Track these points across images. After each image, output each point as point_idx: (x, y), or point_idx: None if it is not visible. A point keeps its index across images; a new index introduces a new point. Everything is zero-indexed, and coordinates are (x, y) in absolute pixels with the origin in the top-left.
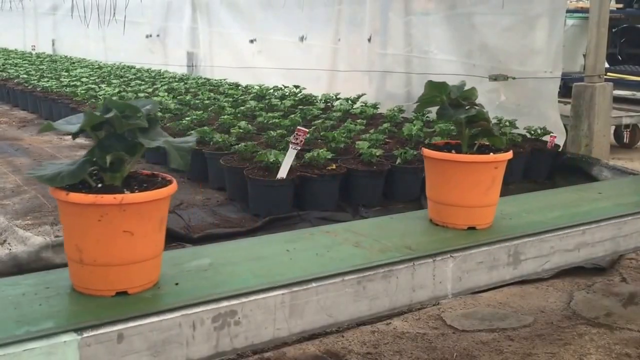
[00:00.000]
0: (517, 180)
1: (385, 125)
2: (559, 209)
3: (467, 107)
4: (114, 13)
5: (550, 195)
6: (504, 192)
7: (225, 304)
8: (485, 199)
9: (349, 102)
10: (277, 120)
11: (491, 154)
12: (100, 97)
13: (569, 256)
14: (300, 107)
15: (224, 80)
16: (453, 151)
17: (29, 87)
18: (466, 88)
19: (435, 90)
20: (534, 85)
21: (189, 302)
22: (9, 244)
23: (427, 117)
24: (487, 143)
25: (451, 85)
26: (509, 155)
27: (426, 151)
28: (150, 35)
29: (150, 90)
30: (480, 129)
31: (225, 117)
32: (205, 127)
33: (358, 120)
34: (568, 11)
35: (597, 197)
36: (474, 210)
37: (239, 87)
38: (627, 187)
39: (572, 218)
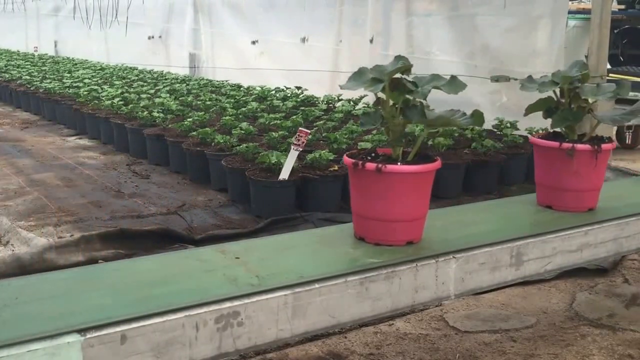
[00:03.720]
0: (519, 181)
1: None
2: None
3: None
4: (116, 14)
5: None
6: (507, 194)
7: (228, 304)
8: None
9: (351, 103)
10: (278, 122)
11: None
12: (103, 98)
13: (572, 257)
14: (302, 108)
15: (226, 81)
16: None
17: (32, 89)
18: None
19: None
20: None
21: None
22: (12, 245)
23: None
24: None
25: None
26: None
27: None
28: (152, 37)
29: (152, 91)
30: None
31: (227, 118)
32: (207, 128)
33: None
34: (570, 12)
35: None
36: None
37: (241, 89)
38: (332, 251)
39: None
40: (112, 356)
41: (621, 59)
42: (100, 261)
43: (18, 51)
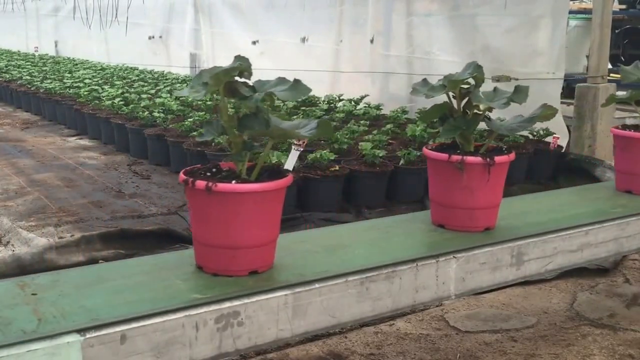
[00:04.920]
0: (520, 181)
1: (388, 126)
2: None
3: None
4: (116, 14)
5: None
6: (506, 194)
7: (228, 304)
8: None
9: (352, 103)
10: None
11: None
12: (104, 98)
13: (572, 257)
14: (303, 108)
15: None
16: None
17: (32, 89)
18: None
19: None
20: (537, 86)
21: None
22: (12, 245)
23: None
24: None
25: None
26: None
27: None
28: (153, 37)
29: (153, 91)
30: None
31: None
32: None
33: (361, 122)
34: (571, 12)
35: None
36: None
37: None
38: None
39: None
40: (112, 356)
41: (622, 58)
42: (100, 261)
43: (19, 51)
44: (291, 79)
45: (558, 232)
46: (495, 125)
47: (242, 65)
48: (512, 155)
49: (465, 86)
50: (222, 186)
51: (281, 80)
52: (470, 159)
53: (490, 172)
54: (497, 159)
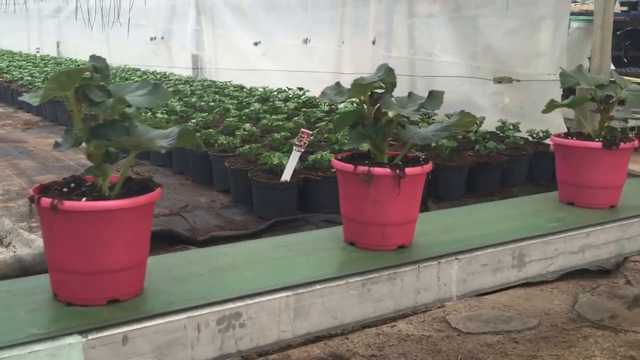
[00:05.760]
0: (521, 183)
1: None
2: None
3: None
4: (118, 15)
5: None
6: (506, 195)
7: (230, 306)
8: None
9: (354, 104)
10: (281, 123)
11: None
12: None
13: (574, 258)
14: (304, 109)
15: (229, 82)
16: None
17: (33, 90)
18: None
19: None
20: (538, 87)
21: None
22: (13, 246)
23: (433, 119)
24: None
25: None
26: None
27: None
28: (155, 38)
29: None
30: None
31: (230, 119)
32: (211, 130)
33: None
34: (572, 14)
35: None
36: None
37: (244, 89)
38: None
39: None
40: (114, 357)
41: (625, 60)
42: None
43: (20, 52)
44: (293, 80)
45: (560, 234)
46: (407, 134)
47: (96, 67)
48: (428, 167)
49: (379, 91)
50: (69, 204)
51: (142, 84)
52: (377, 170)
53: (401, 184)
54: (408, 170)
